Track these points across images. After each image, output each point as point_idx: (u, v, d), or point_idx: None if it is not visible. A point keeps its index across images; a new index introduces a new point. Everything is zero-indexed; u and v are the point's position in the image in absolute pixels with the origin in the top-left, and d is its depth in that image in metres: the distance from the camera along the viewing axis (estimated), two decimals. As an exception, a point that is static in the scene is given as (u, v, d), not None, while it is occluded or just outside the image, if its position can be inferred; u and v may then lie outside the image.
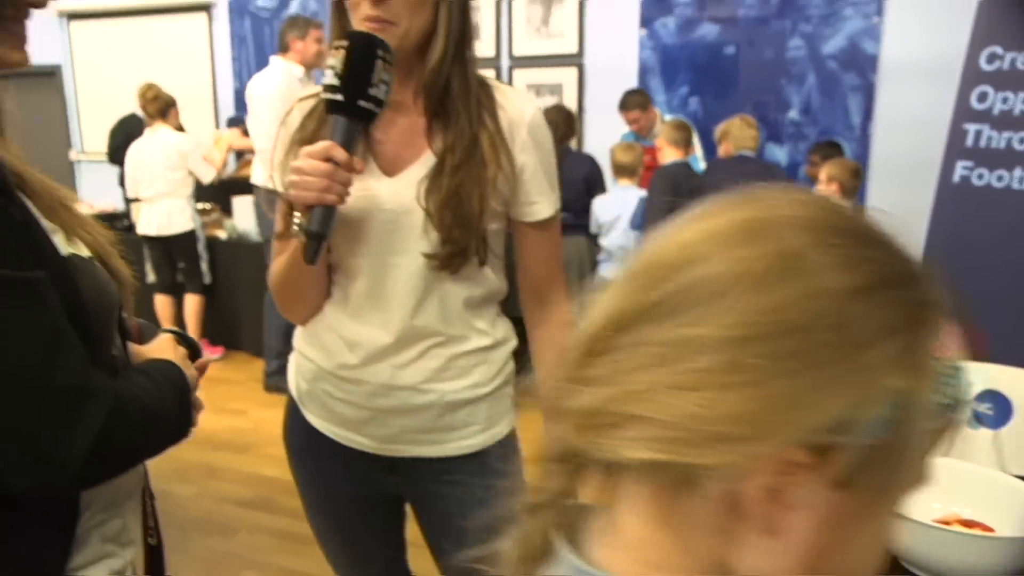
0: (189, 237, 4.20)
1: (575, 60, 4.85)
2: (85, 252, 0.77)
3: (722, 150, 3.53)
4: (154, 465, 0.85)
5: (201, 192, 4.33)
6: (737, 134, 3.42)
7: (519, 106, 1.09)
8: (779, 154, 4.55)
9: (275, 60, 3.66)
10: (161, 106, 4.17)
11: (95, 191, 6.07)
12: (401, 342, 1.08)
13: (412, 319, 1.07)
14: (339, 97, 0.92)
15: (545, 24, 4.87)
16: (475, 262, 1.08)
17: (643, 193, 3.43)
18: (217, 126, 5.83)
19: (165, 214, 4.13)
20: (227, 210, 4.59)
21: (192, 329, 4.28)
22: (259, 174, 3.66)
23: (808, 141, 4.55)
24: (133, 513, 0.84)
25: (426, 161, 1.06)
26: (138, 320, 0.94)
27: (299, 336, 1.20)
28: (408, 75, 1.06)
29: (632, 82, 4.77)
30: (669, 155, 3.37)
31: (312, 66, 3.72)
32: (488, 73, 4.62)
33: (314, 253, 0.95)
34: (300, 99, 1.14)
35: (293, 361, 1.22)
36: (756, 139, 3.43)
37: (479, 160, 1.04)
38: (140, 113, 4.87)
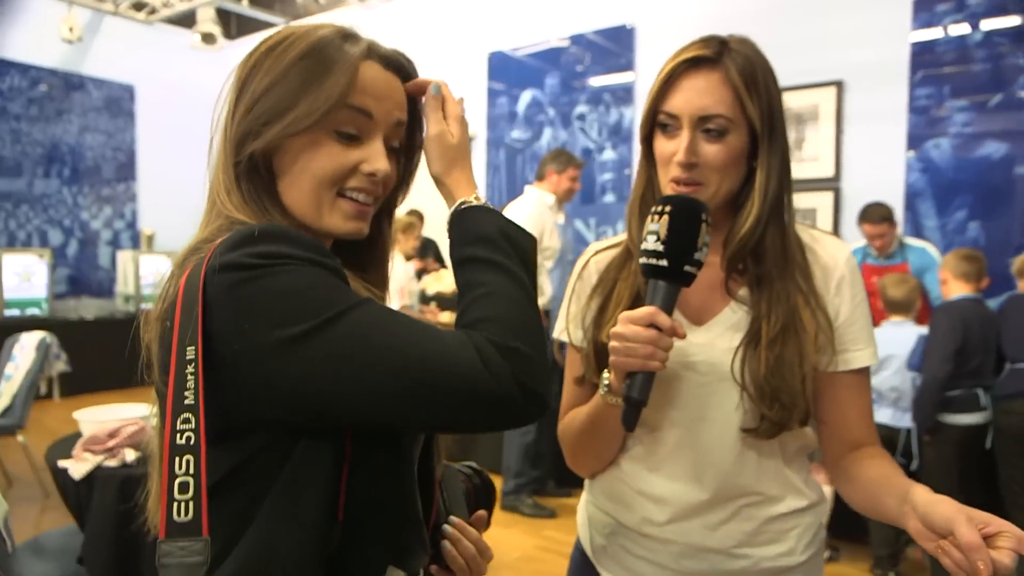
0: None
1: (831, 184, 4.61)
2: None
3: (1023, 285, 3.07)
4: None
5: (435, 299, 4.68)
6: (1043, 268, 2.96)
7: (832, 252, 1.04)
8: (1090, 287, 3.87)
9: (529, 189, 3.88)
10: (394, 232, 4.63)
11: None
12: (714, 500, 1.02)
13: (727, 476, 1.01)
14: (663, 263, 0.90)
15: (798, 148, 4.72)
16: (796, 426, 1.00)
17: (921, 330, 3.06)
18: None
19: None
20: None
21: None
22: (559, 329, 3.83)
23: None
24: None
25: (732, 311, 1.03)
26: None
27: (592, 488, 1.17)
28: (717, 224, 1.03)
29: (898, 206, 4.41)
30: (956, 289, 2.99)
31: (563, 199, 3.89)
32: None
33: (634, 420, 0.93)
34: (596, 251, 1.14)
35: (585, 512, 1.19)
36: (1069, 274, 2.94)
37: (799, 327, 0.98)
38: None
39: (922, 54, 4.36)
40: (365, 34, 0.81)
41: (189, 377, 0.65)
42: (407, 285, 4.54)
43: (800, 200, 4.61)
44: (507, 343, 0.67)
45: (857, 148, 4.56)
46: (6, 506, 2.22)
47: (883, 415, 3.13)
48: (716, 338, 1.01)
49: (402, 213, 4.87)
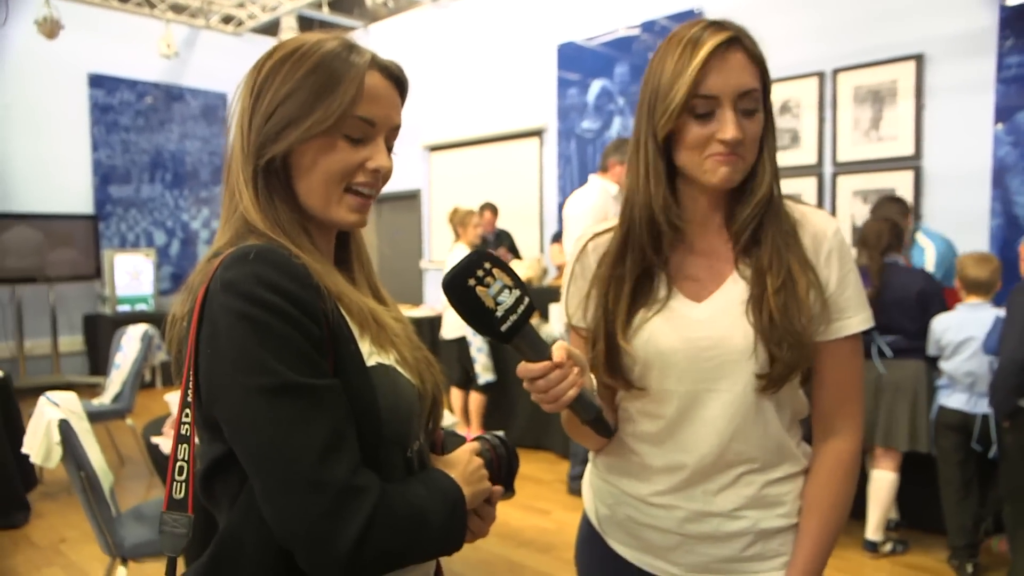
0: (461, 342, 4.70)
1: (911, 163, 4.43)
2: (390, 361, 0.86)
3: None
4: (461, 555, 0.88)
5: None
6: None
7: (821, 225, 1.07)
8: None
9: (593, 178, 3.86)
10: (455, 226, 4.78)
11: (438, 296, 7.00)
12: (716, 467, 1.06)
13: (730, 443, 1.05)
14: (488, 339, 0.91)
15: (875, 127, 4.55)
16: (797, 381, 1.05)
17: (1000, 312, 2.93)
18: (542, 239, 6.39)
19: (448, 320, 4.75)
20: (545, 316, 4.93)
21: (472, 422, 4.75)
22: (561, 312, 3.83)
23: None
24: None
25: (734, 283, 1.06)
26: (444, 429, 1.03)
27: (596, 460, 1.21)
28: (717, 203, 1.08)
29: (984, 183, 4.20)
30: (1036, 268, 2.85)
31: None
32: (810, 181, 4.47)
33: (604, 429, 0.98)
34: (594, 235, 1.16)
35: (589, 483, 1.22)
36: None
37: (793, 280, 1.03)
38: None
39: (1013, 20, 4.12)
40: (365, 46, 0.89)
41: (191, 376, 0.77)
42: None
43: (878, 180, 4.52)
44: (385, 528, 0.74)
45: (939, 124, 4.36)
46: (111, 477, 2.49)
47: (957, 400, 3.02)
48: (719, 312, 1.05)
49: (476, 206, 5.00)
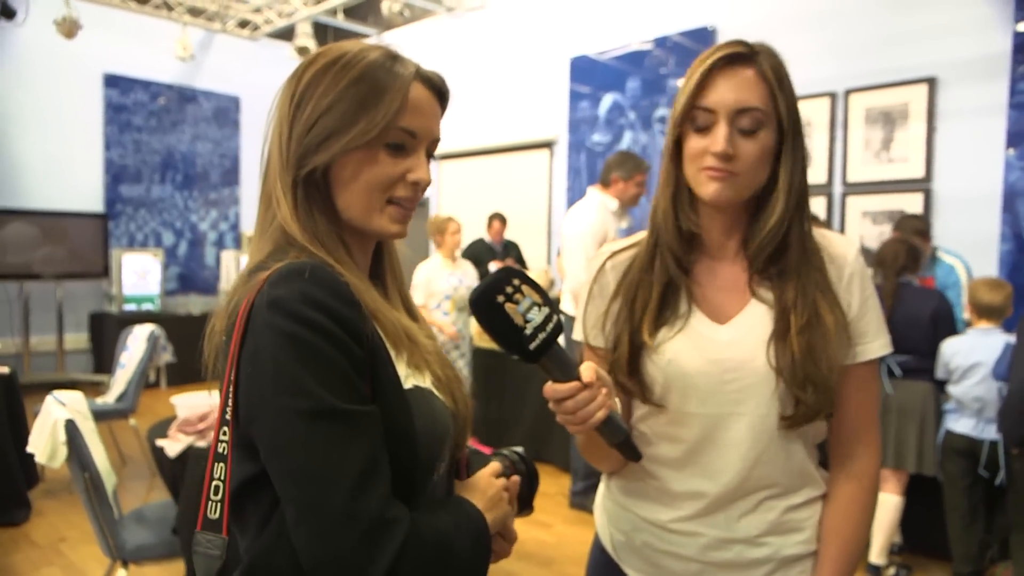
0: None
1: (921, 185, 4.42)
2: (425, 383, 0.85)
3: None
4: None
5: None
6: None
7: (842, 250, 1.07)
8: None
9: (592, 192, 3.74)
10: (432, 235, 4.63)
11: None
12: (739, 492, 1.04)
13: (754, 468, 1.03)
14: (516, 357, 0.85)
15: (886, 148, 4.55)
16: (828, 412, 1.04)
17: (1009, 338, 2.92)
18: (550, 250, 6.39)
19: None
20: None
21: None
22: (577, 331, 3.83)
23: None
24: None
25: (755, 307, 1.04)
26: (468, 449, 1.00)
27: (611, 484, 1.18)
28: (735, 224, 1.07)
29: (995, 208, 4.19)
30: (1046, 295, 2.83)
31: (629, 204, 3.73)
32: (819, 201, 4.45)
33: (632, 452, 0.95)
34: (612, 253, 1.15)
35: (603, 508, 1.20)
36: None
37: (820, 317, 1.01)
38: (487, 238, 5.50)
39: (1026, 46, 4.12)
40: (409, 56, 0.88)
41: (230, 394, 0.75)
42: (426, 286, 4.48)
43: (888, 201, 4.50)
44: (414, 560, 0.72)
45: (950, 147, 4.35)
46: (115, 479, 2.48)
47: (965, 425, 3.00)
48: (743, 335, 1.03)
49: (484, 216, 4.95)
